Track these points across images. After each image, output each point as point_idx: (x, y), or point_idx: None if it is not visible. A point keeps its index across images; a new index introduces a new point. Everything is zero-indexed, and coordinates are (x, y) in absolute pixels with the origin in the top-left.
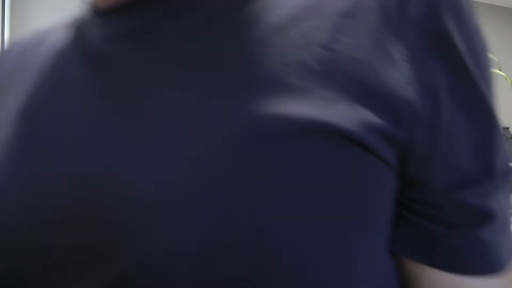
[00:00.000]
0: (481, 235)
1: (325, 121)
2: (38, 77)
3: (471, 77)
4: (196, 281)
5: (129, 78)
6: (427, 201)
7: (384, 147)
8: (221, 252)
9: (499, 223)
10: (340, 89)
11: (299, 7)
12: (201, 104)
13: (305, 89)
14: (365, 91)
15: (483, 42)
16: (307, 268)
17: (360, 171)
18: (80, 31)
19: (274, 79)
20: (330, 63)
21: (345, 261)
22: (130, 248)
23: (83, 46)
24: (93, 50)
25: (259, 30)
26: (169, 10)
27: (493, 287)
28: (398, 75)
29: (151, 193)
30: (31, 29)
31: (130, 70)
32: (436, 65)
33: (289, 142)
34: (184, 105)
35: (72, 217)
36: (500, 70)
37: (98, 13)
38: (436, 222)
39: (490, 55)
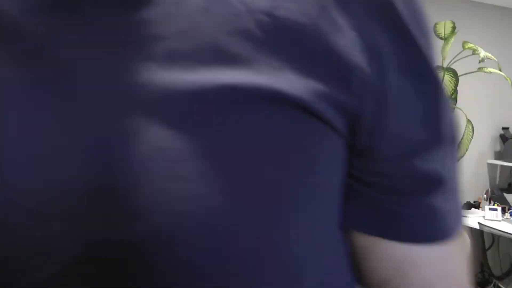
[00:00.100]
0: (431, 202)
1: (274, 89)
2: None
3: (416, 45)
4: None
5: (54, 56)
6: (377, 170)
7: (334, 115)
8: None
9: (448, 189)
10: (287, 57)
11: None
12: (139, 74)
13: (251, 59)
14: (313, 58)
15: (423, 10)
16: (257, 243)
17: (311, 141)
18: None
19: (217, 49)
20: (274, 30)
21: (294, 235)
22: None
23: None
24: (7, 25)
25: None
26: None
27: (442, 254)
28: (345, 41)
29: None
30: None
31: (54, 48)
32: (381, 32)
33: (237, 111)
34: (121, 79)
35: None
36: (500, 70)
37: None
38: (387, 191)
39: (490, 55)
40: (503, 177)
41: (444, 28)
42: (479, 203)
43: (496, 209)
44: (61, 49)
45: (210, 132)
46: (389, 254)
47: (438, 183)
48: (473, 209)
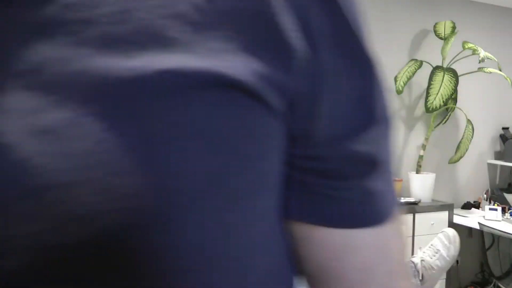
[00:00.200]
0: (367, 184)
1: (215, 72)
2: None
3: (349, 26)
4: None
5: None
6: (313, 154)
7: (276, 97)
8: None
9: (383, 171)
10: (226, 39)
11: None
12: (76, 62)
13: (190, 42)
14: (253, 39)
15: None
16: (201, 235)
17: (254, 124)
18: None
19: (154, 33)
20: (213, 14)
21: (235, 227)
22: None
23: None
24: None
25: None
26: None
27: (380, 237)
28: (283, 22)
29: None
30: None
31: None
32: (316, 13)
33: (180, 97)
34: (57, 64)
35: None
36: (500, 70)
37: None
38: (323, 176)
39: (490, 55)
40: (503, 177)
41: (444, 28)
42: (479, 203)
43: (496, 209)
44: None
45: (149, 121)
46: (328, 240)
47: (374, 165)
48: (473, 209)
